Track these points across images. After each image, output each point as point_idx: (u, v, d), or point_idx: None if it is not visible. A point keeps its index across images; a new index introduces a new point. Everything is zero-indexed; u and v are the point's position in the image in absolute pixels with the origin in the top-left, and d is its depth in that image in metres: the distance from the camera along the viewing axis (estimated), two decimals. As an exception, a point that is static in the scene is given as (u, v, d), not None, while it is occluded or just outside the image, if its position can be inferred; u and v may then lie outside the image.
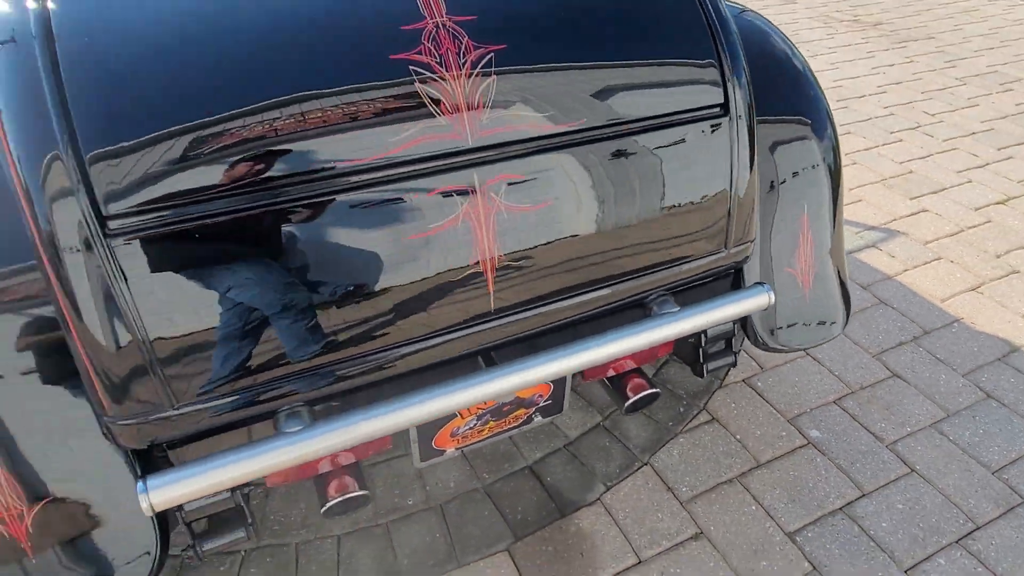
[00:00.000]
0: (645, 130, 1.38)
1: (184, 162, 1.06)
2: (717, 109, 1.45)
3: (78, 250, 1.02)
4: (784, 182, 1.75)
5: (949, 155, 3.72)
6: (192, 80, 1.08)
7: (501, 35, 1.25)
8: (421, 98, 1.18)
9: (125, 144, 1.03)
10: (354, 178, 1.16)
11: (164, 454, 1.27)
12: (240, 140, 1.09)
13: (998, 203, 3.27)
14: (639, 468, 2.01)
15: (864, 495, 1.91)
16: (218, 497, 1.24)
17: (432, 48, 1.19)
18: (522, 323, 1.39)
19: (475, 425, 1.55)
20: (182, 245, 1.07)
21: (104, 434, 1.16)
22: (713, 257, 1.56)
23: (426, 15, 1.21)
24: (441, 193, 1.21)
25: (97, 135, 1.02)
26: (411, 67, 1.17)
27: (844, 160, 3.65)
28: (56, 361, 1.14)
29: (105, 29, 1.07)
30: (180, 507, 1.23)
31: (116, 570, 1.20)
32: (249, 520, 1.32)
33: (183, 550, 1.74)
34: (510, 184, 1.27)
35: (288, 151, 1.12)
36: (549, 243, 1.34)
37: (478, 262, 1.28)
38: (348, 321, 1.22)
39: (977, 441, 2.06)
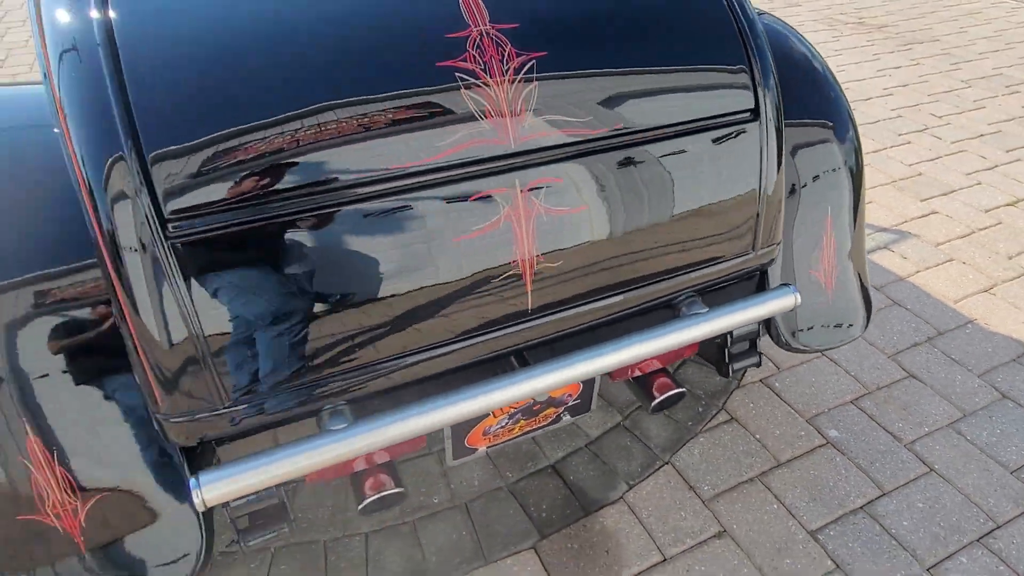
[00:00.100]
0: (679, 135, 1.41)
1: (241, 165, 1.09)
2: (748, 114, 1.48)
3: (138, 249, 1.04)
4: (806, 185, 1.77)
5: (957, 157, 3.75)
6: (249, 85, 1.10)
7: (542, 42, 1.27)
8: (467, 104, 1.21)
9: (186, 147, 1.06)
10: (402, 182, 1.18)
11: (204, 452, 1.29)
12: (296, 144, 1.12)
13: (1008, 205, 3.30)
14: (660, 467, 2.03)
15: (884, 494, 1.93)
16: (265, 493, 1.27)
17: (476, 55, 1.22)
18: (557, 323, 1.42)
19: (506, 424, 1.58)
20: (239, 246, 1.10)
21: (156, 431, 1.19)
22: (742, 259, 1.59)
23: (470, 23, 1.23)
24: (484, 196, 1.24)
25: (159, 138, 1.05)
26: (457, 74, 1.20)
27: (854, 162, 3.67)
28: (109, 359, 1.17)
29: (165, 35, 1.10)
30: (226, 503, 1.25)
31: (163, 565, 1.22)
32: (291, 515, 1.35)
33: (227, 545, 1.76)
34: (550, 187, 1.29)
35: (341, 155, 1.15)
36: (586, 245, 1.37)
37: (518, 263, 1.30)
38: (394, 321, 1.24)
39: (995, 441, 2.08)
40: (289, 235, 1.13)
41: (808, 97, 1.83)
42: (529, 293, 1.34)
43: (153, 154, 1.04)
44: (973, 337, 2.49)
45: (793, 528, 1.85)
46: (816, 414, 2.19)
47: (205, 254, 1.08)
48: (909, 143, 3.92)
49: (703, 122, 1.43)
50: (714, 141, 1.45)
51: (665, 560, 1.78)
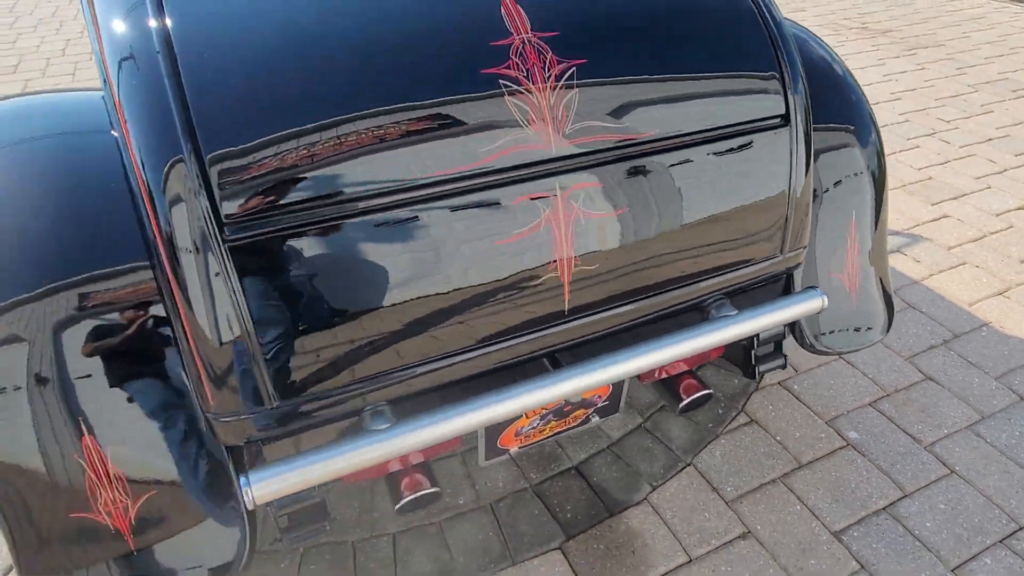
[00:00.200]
0: (713, 140, 1.43)
1: (295, 168, 1.11)
2: (779, 119, 1.50)
3: (195, 250, 1.06)
4: (829, 189, 1.80)
5: (967, 161, 3.78)
6: (303, 90, 1.13)
7: (582, 50, 1.30)
8: (511, 110, 1.23)
9: (243, 150, 1.08)
10: (449, 187, 1.21)
11: (247, 453, 1.31)
12: (348, 148, 1.14)
13: (1019, 208, 3.33)
14: (683, 468, 2.05)
15: (906, 495, 1.95)
16: (307, 492, 1.28)
17: (519, 62, 1.24)
18: (592, 325, 1.44)
19: (537, 425, 1.60)
20: (292, 248, 1.12)
21: (204, 431, 1.21)
22: (770, 261, 1.61)
23: (513, 32, 1.26)
24: (526, 201, 1.26)
25: (217, 142, 1.07)
26: (501, 81, 1.22)
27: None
28: (161, 360, 1.18)
29: (222, 41, 1.12)
30: (270, 502, 1.27)
31: (209, 563, 1.24)
32: (330, 514, 1.37)
33: (270, 543, 1.78)
34: (588, 192, 1.31)
35: (390, 159, 1.17)
36: (621, 248, 1.39)
37: (556, 266, 1.32)
38: (436, 323, 1.26)
39: (1014, 443, 2.10)
40: (338, 239, 1.15)
41: (831, 101, 1.85)
42: (567, 296, 1.36)
43: (211, 157, 1.06)
44: (989, 340, 2.51)
45: (817, 529, 1.87)
46: (835, 416, 2.21)
47: (260, 256, 1.10)
48: (918, 147, 3.94)
49: (735, 127, 1.46)
50: (746, 146, 1.48)
51: (691, 561, 1.80)
